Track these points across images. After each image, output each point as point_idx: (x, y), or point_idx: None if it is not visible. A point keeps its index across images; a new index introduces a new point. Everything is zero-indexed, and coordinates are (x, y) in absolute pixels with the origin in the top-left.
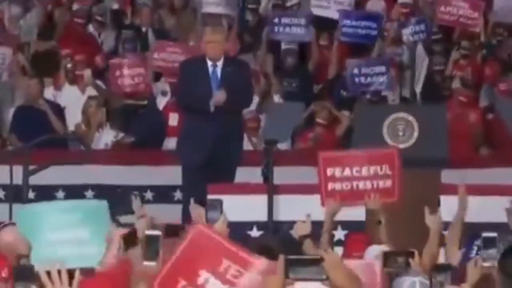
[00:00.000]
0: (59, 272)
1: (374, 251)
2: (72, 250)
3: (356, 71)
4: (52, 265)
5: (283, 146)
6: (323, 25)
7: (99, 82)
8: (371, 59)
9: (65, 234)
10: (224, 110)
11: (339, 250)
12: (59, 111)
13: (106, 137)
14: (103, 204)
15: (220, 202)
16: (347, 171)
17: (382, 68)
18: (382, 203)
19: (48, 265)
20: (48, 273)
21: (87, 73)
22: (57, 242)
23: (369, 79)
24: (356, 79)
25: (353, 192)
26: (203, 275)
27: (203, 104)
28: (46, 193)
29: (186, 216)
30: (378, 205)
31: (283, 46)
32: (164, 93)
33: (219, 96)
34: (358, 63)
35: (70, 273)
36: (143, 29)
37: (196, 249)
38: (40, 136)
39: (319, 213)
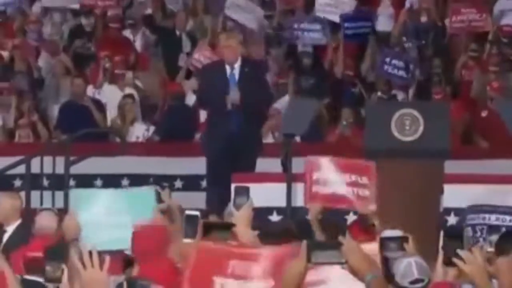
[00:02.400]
0: (90, 255)
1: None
2: (115, 234)
3: (387, 59)
4: (84, 248)
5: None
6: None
7: (137, 82)
8: (402, 53)
9: (112, 219)
10: (242, 107)
11: None
12: (100, 107)
13: (138, 131)
14: (150, 191)
15: (247, 189)
16: (330, 176)
17: (411, 65)
18: (374, 208)
19: (90, 247)
20: (81, 257)
21: (129, 75)
22: (106, 226)
23: (395, 71)
24: (385, 67)
25: (334, 196)
26: (218, 281)
27: (220, 103)
28: (85, 182)
29: (210, 204)
30: (368, 211)
31: (300, 48)
32: (195, 92)
33: (233, 96)
34: (391, 53)
35: (101, 257)
36: (177, 33)
37: (203, 263)
38: (83, 129)
39: None
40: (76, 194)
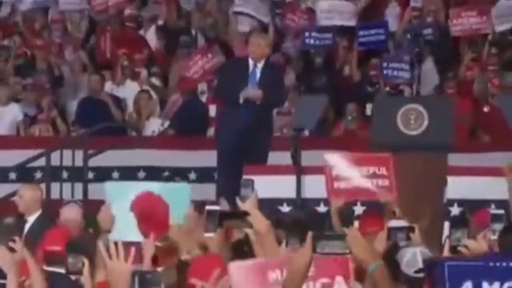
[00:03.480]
0: (116, 247)
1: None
2: None
3: (385, 64)
4: (111, 241)
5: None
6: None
7: (154, 80)
8: (399, 54)
9: None
10: (256, 104)
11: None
12: (118, 102)
13: (154, 125)
14: (186, 186)
15: (252, 181)
16: (349, 171)
17: (406, 66)
18: (394, 196)
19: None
20: (107, 249)
21: (144, 73)
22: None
23: (395, 73)
24: (384, 71)
25: (355, 190)
26: None
27: (236, 97)
28: (103, 174)
29: (220, 195)
30: (389, 199)
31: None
32: (202, 93)
33: (253, 92)
34: (388, 58)
35: (127, 249)
36: (193, 32)
37: (243, 282)
38: (101, 123)
39: None
40: (112, 186)
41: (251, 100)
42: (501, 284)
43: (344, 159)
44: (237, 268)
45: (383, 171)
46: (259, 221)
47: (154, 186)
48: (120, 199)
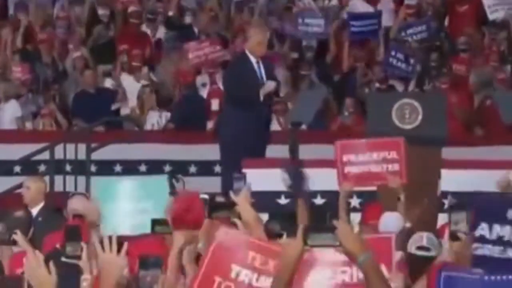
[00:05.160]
0: (110, 240)
1: (389, 218)
2: (138, 220)
3: (393, 52)
4: (105, 233)
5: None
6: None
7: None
8: (403, 47)
9: (132, 205)
10: (269, 100)
11: (356, 216)
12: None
13: (152, 118)
14: (163, 179)
15: (244, 176)
16: (360, 157)
17: (412, 60)
18: (401, 183)
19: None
20: (101, 241)
21: (145, 69)
22: (128, 212)
23: (399, 63)
24: (390, 59)
25: (366, 175)
26: (234, 269)
27: (257, 97)
28: (105, 167)
29: (226, 189)
30: (397, 184)
31: (304, 42)
32: (204, 85)
33: (272, 85)
34: (396, 46)
35: (120, 242)
36: (195, 30)
37: (224, 249)
38: (94, 115)
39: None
40: (98, 182)
41: (268, 95)
42: None
43: (356, 144)
44: (226, 236)
45: (393, 155)
46: (247, 212)
47: (136, 180)
48: (108, 194)
